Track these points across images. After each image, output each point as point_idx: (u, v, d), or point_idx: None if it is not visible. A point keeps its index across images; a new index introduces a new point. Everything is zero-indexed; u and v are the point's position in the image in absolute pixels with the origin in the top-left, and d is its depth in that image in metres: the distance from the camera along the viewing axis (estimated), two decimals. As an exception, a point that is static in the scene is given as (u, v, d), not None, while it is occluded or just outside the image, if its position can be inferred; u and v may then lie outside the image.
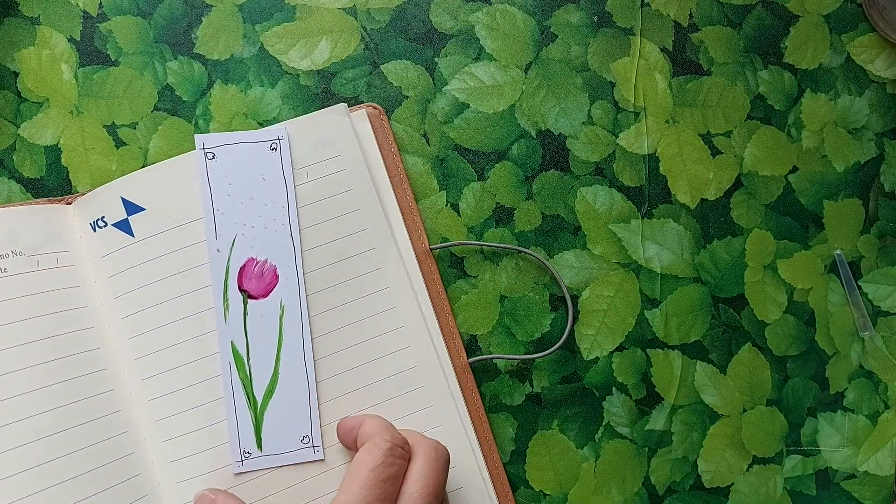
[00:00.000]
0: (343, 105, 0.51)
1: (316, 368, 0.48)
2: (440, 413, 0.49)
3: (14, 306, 0.46)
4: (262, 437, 0.47)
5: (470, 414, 0.49)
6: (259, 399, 0.47)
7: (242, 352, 0.48)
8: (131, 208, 0.49)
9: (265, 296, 0.48)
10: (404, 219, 0.50)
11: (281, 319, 0.48)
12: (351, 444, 0.46)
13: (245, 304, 0.48)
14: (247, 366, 0.48)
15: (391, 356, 0.49)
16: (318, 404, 0.48)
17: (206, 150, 0.49)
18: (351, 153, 0.50)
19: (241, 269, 0.48)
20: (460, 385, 0.49)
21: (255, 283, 0.48)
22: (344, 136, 0.50)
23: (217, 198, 0.49)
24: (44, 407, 0.45)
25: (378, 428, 0.44)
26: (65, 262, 0.48)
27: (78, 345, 0.47)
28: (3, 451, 0.44)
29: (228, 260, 0.48)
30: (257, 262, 0.48)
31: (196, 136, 0.49)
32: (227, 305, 0.48)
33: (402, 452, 0.42)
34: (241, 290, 0.48)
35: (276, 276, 0.48)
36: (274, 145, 0.50)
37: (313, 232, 0.49)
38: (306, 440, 0.47)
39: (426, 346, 0.49)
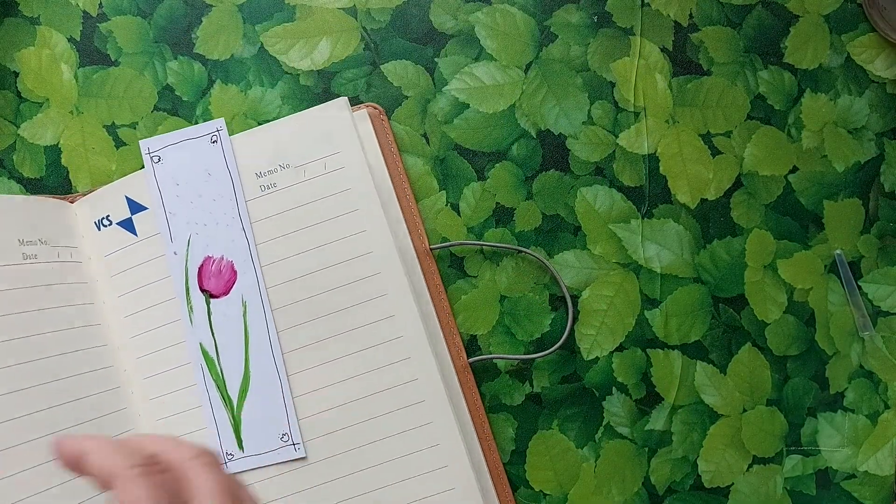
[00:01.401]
0: (343, 99, 0.50)
1: (286, 364, 0.48)
2: (440, 427, 0.48)
3: (37, 294, 0.46)
4: (242, 437, 0.47)
5: (470, 414, 0.49)
6: (234, 399, 0.47)
7: (212, 353, 0.47)
8: (135, 207, 0.49)
9: (226, 293, 0.48)
10: (404, 219, 0.50)
11: (245, 316, 0.48)
12: (78, 471, 0.32)
13: (208, 303, 0.48)
14: (217, 366, 0.47)
15: (389, 367, 0.48)
16: (294, 401, 0.47)
17: (151, 154, 0.49)
18: (351, 150, 0.49)
19: (199, 268, 0.48)
20: (460, 385, 0.49)
21: (214, 281, 0.48)
22: (344, 132, 0.49)
23: (167, 200, 0.49)
24: (50, 402, 0.45)
25: (109, 456, 0.31)
26: (76, 258, 0.48)
27: (88, 340, 0.47)
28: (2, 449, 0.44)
29: (186, 261, 0.48)
30: (214, 260, 0.48)
31: (140, 141, 0.49)
32: (191, 308, 0.48)
33: (159, 470, 0.31)
34: (203, 290, 0.48)
35: (235, 272, 0.48)
36: (214, 138, 0.49)
37: (307, 233, 0.49)
38: (286, 438, 0.47)
39: (426, 356, 0.48)
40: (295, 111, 0.52)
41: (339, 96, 0.52)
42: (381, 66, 0.53)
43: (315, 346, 0.48)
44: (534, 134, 0.52)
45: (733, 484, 0.51)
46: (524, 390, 0.51)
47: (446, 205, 0.52)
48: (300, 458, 0.47)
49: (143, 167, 0.51)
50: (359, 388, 0.48)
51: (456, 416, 0.48)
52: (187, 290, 0.48)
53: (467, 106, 0.52)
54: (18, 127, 0.52)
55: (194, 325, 0.47)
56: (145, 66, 0.52)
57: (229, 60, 0.52)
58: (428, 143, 0.52)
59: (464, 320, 0.51)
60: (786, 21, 0.54)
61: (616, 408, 0.51)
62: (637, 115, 0.53)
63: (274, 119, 0.52)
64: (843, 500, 0.51)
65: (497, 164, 0.52)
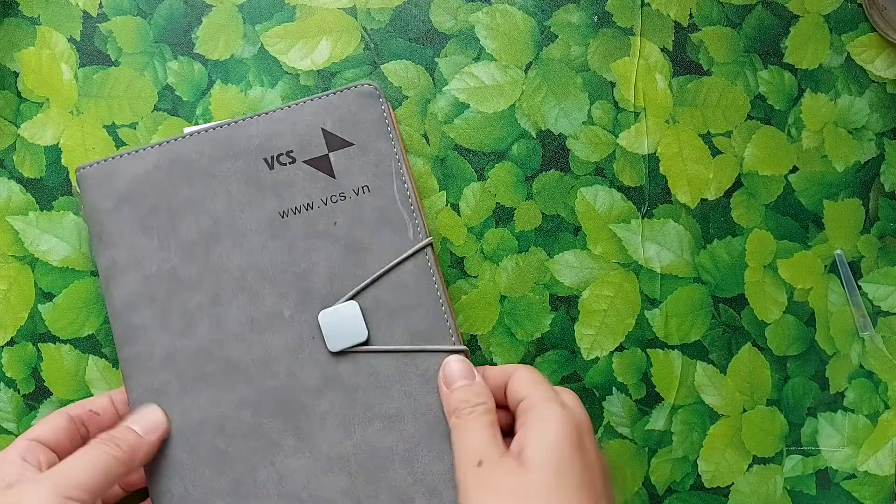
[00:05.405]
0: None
1: None
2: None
3: None
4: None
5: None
6: None
7: None
8: None
9: None
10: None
11: None
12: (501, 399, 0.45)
13: None
14: None
15: None
16: None
17: None
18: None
19: None
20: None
21: None
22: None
23: None
24: None
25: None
26: None
27: None
28: None
29: None
30: None
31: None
32: None
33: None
34: None
35: None
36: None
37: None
38: None
39: None
40: (295, 111, 0.52)
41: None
42: (381, 66, 0.53)
43: None
44: (534, 134, 0.52)
45: (733, 484, 0.51)
46: (524, 390, 0.51)
47: (446, 205, 0.52)
48: None
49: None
50: None
51: None
52: None
53: (467, 106, 0.52)
54: (18, 127, 0.52)
55: None
56: (145, 66, 0.52)
57: (229, 60, 0.52)
58: (428, 143, 0.52)
59: (464, 320, 0.51)
60: (786, 21, 0.54)
61: (616, 408, 0.51)
62: (637, 115, 0.53)
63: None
64: (843, 500, 0.51)
65: (497, 164, 0.52)
